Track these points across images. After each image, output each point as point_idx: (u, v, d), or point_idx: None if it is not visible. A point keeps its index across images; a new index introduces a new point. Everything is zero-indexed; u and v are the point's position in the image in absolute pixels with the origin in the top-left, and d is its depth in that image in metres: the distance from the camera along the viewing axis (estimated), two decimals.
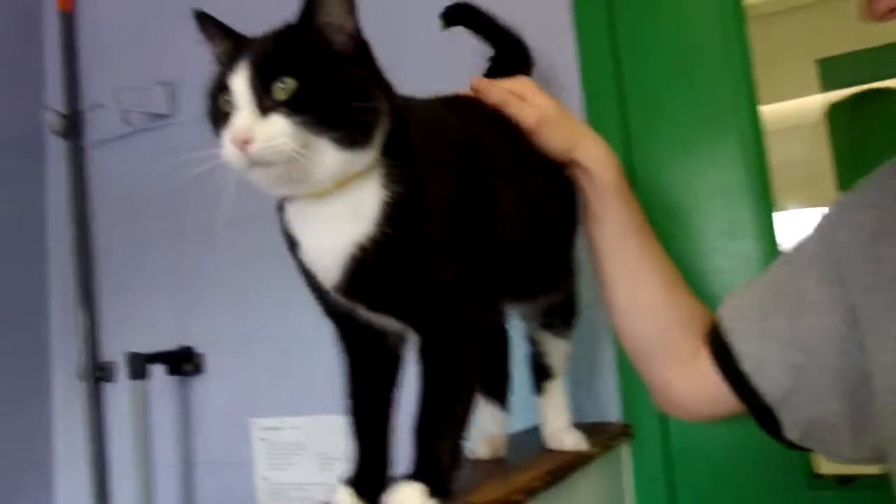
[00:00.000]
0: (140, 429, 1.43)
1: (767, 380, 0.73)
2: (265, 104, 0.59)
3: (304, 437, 1.39)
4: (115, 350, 1.65)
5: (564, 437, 0.92)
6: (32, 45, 1.77)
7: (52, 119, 1.66)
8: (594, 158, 0.86)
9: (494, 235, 0.72)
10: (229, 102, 0.61)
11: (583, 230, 0.91)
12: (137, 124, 1.63)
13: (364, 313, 0.70)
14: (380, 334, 0.73)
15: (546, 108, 0.85)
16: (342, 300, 0.69)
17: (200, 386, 1.54)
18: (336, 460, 1.36)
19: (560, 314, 0.93)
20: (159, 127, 1.61)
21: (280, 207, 0.70)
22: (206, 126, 1.80)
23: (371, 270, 0.64)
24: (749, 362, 0.74)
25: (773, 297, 0.74)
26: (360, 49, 0.65)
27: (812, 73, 2.72)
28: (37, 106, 1.75)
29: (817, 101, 2.67)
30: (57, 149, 1.74)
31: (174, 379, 1.55)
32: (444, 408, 0.67)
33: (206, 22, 0.69)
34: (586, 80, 1.18)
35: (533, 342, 0.93)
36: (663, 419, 1.10)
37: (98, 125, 1.71)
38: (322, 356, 1.39)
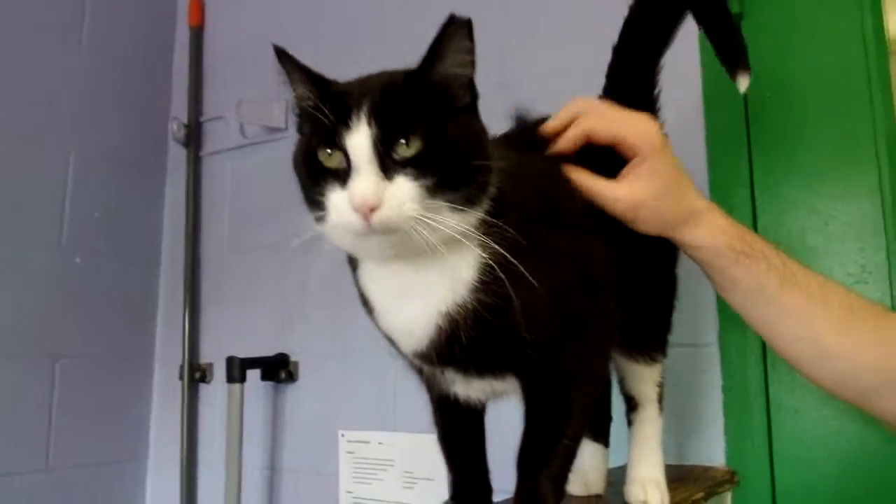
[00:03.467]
0: (234, 430, 1.46)
1: None
2: (388, 165, 0.54)
3: (392, 454, 1.38)
4: (214, 353, 1.71)
5: (639, 490, 0.79)
6: (163, 57, 1.88)
7: (176, 128, 1.75)
8: (700, 237, 0.75)
9: (590, 274, 0.67)
10: (340, 161, 0.56)
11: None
12: (253, 136, 1.69)
13: (452, 376, 0.65)
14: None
15: (643, 191, 0.73)
16: (428, 366, 0.65)
17: (293, 394, 1.56)
18: (421, 480, 1.34)
19: (639, 336, 0.81)
20: (274, 139, 1.67)
21: (352, 263, 0.65)
22: None
23: (463, 341, 0.59)
24: None
25: None
26: (475, 100, 0.61)
27: None
28: (162, 115, 1.86)
29: None
30: (177, 157, 1.83)
31: (268, 385, 1.58)
32: (550, 442, 0.64)
33: (286, 60, 0.64)
34: (710, 114, 1.13)
35: (615, 367, 0.83)
36: (770, 466, 1.03)
37: (216, 136, 1.79)
38: (400, 370, 1.40)
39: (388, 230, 0.54)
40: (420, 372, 0.69)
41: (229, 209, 1.76)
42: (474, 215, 0.57)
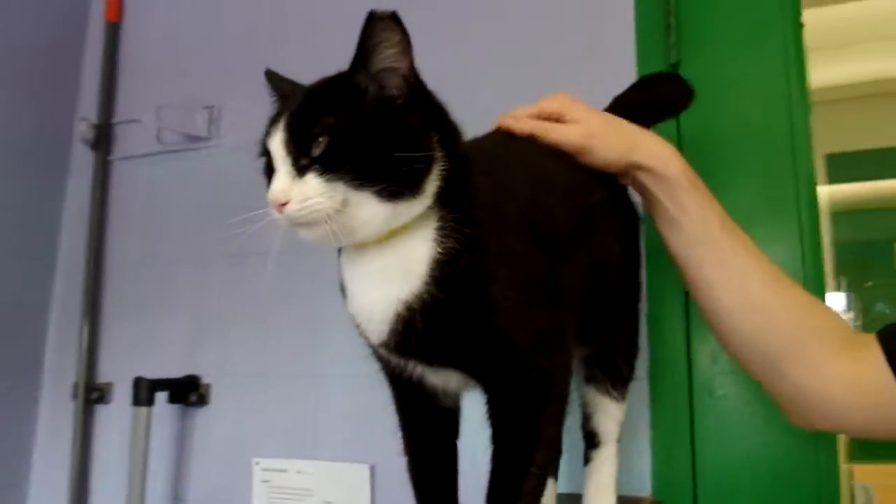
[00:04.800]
0: (138, 457, 1.35)
1: None
2: (301, 163, 0.58)
3: (311, 483, 1.33)
4: (113, 372, 1.59)
5: None
6: (72, 53, 1.75)
7: (85, 129, 1.63)
8: (655, 155, 0.79)
9: (562, 286, 0.67)
10: (271, 163, 0.61)
11: (664, 244, 0.84)
12: (171, 144, 1.60)
13: (417, 368, 0.66)
14: (433, 391, 0.69)
15: (589, 122, 0.79)
16: (390, 356, 0.66)
17: (203, 418, 1.47)
18: None
19: (610, 367, 0.83)
20: (196, 149, 1.58)
21: (339, 251, 0.68)
22: (243, 153, 1.77)
23: (420, 331, 0.60)
24: None
25: None
26: (416, 92, 0.62)
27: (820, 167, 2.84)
28: (69, 114, 1.72)
29: (824, 192, 2.78)
30: (82, 160, 1.70)
31: (175, 408, 1.48)
32: (519, 472, 0.63)
33: (274, 80, 0.69)
34: None
35: (581, 403, 0.85)
36: (695, 498, 1.06)
37: (129, 140, 1.68)
38: (338, 399, 1.36)
39: (301, 223, 0.58)
40: (388, 368, 0.69)
41: (140, 218, 1.65)
42: (411, 206, 0.59)
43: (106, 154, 1.67)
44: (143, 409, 1.37)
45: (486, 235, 0.61)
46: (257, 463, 1.38)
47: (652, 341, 1.09)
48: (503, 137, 0.79)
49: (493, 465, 0.64)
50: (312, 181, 0.57)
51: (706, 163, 1.12)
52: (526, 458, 0.64)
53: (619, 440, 0.84)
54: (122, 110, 1.70)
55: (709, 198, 0.80)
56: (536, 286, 0.64)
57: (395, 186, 0.57)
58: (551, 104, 0.82)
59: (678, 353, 1.10)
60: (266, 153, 0.63)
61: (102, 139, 1.67)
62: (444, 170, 0.60)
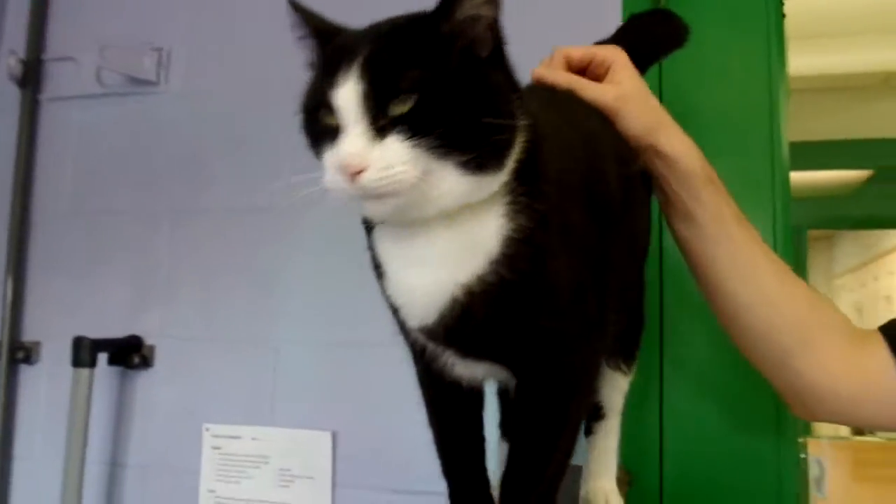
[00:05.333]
0: (79, 422, 1.26)
1: None
2: (380, 123, 0.49)
3: (267, 450, 1.28)
4: (41, 331, 1.48)
5: (602, 499, 0.79)
6: None
7: (13, 63, 1.47)
8: (678, 144, 0.78)
9: (611, 273, 0.64)
10: (333, 118, 0.51)
11: (676, 239, 0.83)
12: (113, 86, 1.48)
13: (453, 358, 0.61)
14: (458, 378, 0.64)
15: (627, 85, 0.77)
16: (428, 342, 0.60)
17: (146, 382, 1.39)
18: (299, 478, 1.26)
19: (625, 342, 0.81)
20: (141, 93, 1.47)
21: (367, 223, 0.60)
22: (194, 100, 1.67)
23: (478, 317, 0.54)
24: None
25: None
26: (498, 48, 0.55)
27: None
28: None
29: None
30: (8, 97, 1.53)
31: (115, 370, 1.39)
32: (545, 457, 0.61)
33: (300, 11, 0.57)
34: None
35: None
36: (660, 466, 1.10)
37: (63, 80, 1.53)
38: (298, 366, 1.32)
39: (377, 194, 0.49)
40: (421, 353, 0.62)
41: (74, 166, 1.51)
42: (494, 181, 0.52)
43: (35, 93, 1.52)
44: (85, 371, 1.28)
45: (554, 212, 0.56)
46: (207, 429, 1.32)
47: None
48: (546, 93, 0.74)
49: (514, 448, 0.62)
50: (395, 145, 0.49)
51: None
52: (553, 443, 0.61)
53: (623, 412, 0.85)
54: (56, 46, 1.55)
55: (724, 193, 0.80)
56: (592, 267, 0.61)
57: (483, 158, 0.50)
58: (605, 52, 0.79)
59: (651, 326, 1.13)
60: (318, 107, 0.52)
61: (31, 76, 1.52)
62: (525, 141, 0.54)
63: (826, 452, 2.35)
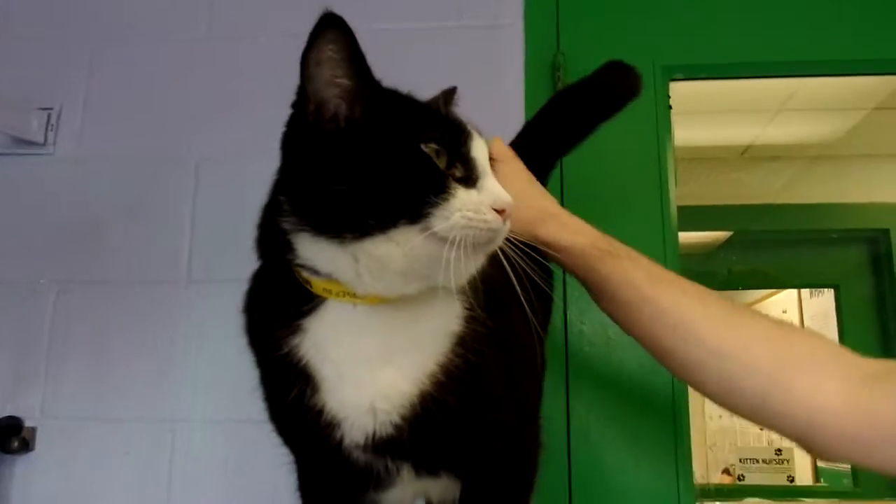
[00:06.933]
0: None
1: None
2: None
3: None
4: None
5: None
6: None
7: None
8: (557, 231, 0.79)
9: (530, 355, 0.67)
10: (461, 168, 0.54)
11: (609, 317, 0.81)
12: None
13: (397, 478, 0.57)
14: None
15: (510, 184, 0.73)
16: (377, 461, 0.55)
17: (25, 467, 1.27)
18: None
19: None
20: (26, 154, 1.38)
21: (279, 320, 0.56)
22: (86, 165, 1.56)
23: (452, 404, 0.52)
24: None
25: None
26: None
27: None
28: None
29: None
30: None
31: None
32: None
33: (343, 37, 0.53)
34: None
35: None
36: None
37: None
38: (193, 446, 1.24)
39: (497, 242, 0.53)
40: (350, 478, 0.58)
41: None
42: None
43: None
44: None
45: (493, 292, 0.57)
46: None
47: None
48: None
49: None
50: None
51: (586, 210, 1.24)
52: None
53: None
54: None
55: (630, 259, 0.78)
56: (520, 350, 0.63)
57: None
58: (493, 150, 0.79)
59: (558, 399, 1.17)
60: (452, 156, 0.54)
61: None
62: None
63: None
